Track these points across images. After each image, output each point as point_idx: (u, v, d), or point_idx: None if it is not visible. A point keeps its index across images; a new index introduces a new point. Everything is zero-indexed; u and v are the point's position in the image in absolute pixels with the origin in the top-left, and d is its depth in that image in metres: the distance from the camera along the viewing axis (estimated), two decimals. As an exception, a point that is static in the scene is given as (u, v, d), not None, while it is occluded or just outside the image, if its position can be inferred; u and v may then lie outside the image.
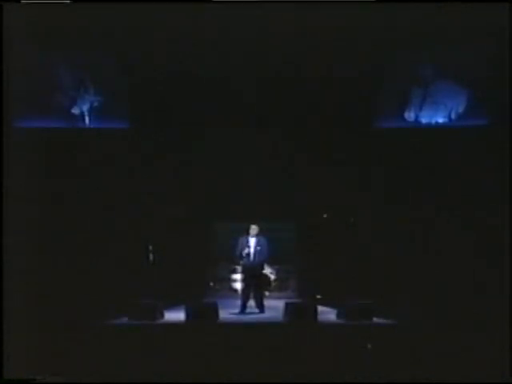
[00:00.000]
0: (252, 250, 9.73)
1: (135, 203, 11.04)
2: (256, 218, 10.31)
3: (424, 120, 11.14)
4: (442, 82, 10.95)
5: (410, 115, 11.16)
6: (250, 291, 9.86)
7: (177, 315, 9.26)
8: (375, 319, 8.92)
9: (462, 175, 10.43)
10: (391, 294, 9.86)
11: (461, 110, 10.87)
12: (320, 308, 9.21)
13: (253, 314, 9.65)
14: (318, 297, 10.71)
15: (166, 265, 10.91)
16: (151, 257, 11.02)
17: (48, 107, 10.90)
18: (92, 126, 11.23)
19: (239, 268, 10.46)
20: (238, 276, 11.06)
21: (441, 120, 11.06)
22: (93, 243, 10.66)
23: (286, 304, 9.27)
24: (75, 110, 11.17)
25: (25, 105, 10.52)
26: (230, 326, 8.96)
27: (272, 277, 11.34)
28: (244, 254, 9.72)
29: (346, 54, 10.44)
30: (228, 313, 9.58)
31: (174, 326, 8.86)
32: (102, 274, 10.40)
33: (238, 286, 11.01)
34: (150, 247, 11.02)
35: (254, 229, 9.77)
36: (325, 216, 11.48)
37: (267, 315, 9.63)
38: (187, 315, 8.91)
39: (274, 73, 10.77)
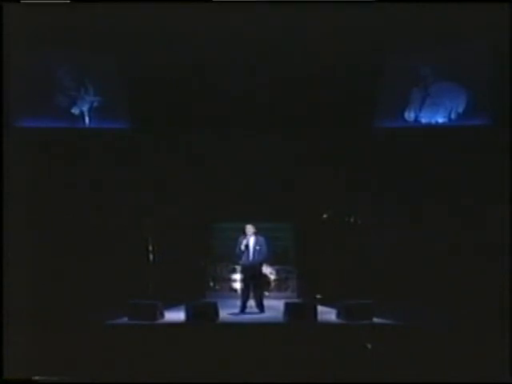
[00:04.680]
0: (251, 249, 9.73)
1: (135, 203, 11.04)
2: (256, 217, 10.31)
3: (424, 120, 11.15)
4: (441, 81, 10.95)
5: (409, 115, 11.17)
6: (249, 291, 9.86)
7: (177, 315, 9.27)
8: (375, 319, 8.93)
9: (462, 175, 10.42)
10: (391, 294, 9.86)
11: (461, 110, 10.87)
12: (320, 308, 9.22)
13: (253, 314, 9.65)
14: (318, 297, 10.72)
15: (165, 265, 10.91)
16: (151, 257, 11.03)
17: (48, 107, 10.91)
18: (92, 126, 11.23)
19: (239, 268, 10.46)
20: (237, 276, 11.05)
21: (441, 120, 11.06)
22: (92, 243, 10.66)
23: (286, 304, 9.27)
24: (75, 110, 11.19)
25: (25, 105, 10.52)
26: (230, 325, 8.97)
27: (272, 277, 11.34)
28: (243, 254, 9.73)
29: (346, 53, 10.45)
30: (228, 313, 9.58)
31: (174, 325, 8.86)
32: (103, 274, 10.40)
33: (238, 285, 11.00)
34: (150, 247, 11.03)
35: (249, 228, 9.78)
36: (325, 216, 11.47)
37: (267, 315, 9.63)
38: (187, 315, 8.92)
39: (274, 73, 10.79)
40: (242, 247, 9.70)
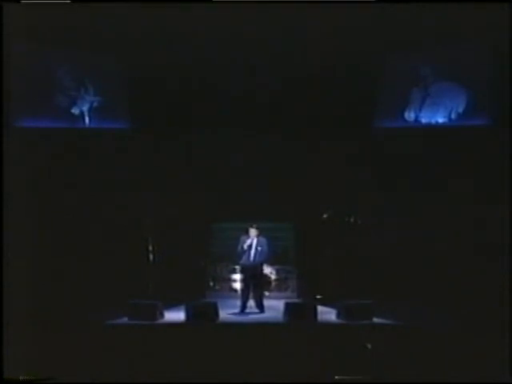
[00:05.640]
0: (253, 250, 9.75)
1: (135, 203, 11.04)
2: (256, 217, 10.32)
3: (424, 120, 11.14)
4: (441, 81, 10.95)
5: (409, 115, 11.16)
6: (249, 291, 9.88)
7: (177, 315, 9.27)
8: (375, 319, 8.93)
9: (462, 175, 10.42)
10: (391, 294, 9.86)
11: (461, 110, 10.86)
12: (320, 308, 9.22)
13: (253, 314, 9.65)
14: (318, 297, 10.72)
15: (165, 265, 10.91)
16: (151, 257, 11.03)
17: (48, 107, 10.90)
18: (92, 126, 11.23)
19: (239, 268, 10.46)
20: (237, 276, 11.06)
21: (441, 120, 11.05)
22: (93, 243, 10.66)
23: (286, 304, 9.28)
24: (75, 110, 11.17)
25: (25, 105, 10.51)
26: (230, 325, 8.97)
27: (272, 277, 11.34)
28: (244, 254, 9.73)
29: (346, 53, 10.45)
30: (228, 313, 9.59)
31: (174, 325, 8.87)
32: (103, 274, 10.40)
33: (238, 286, 11.00)
34: (150, 247, 11.04)
35: (253, 232, 9.80)
36: (325, 216, 11.47)
37: (267, 315, 9.64)
38: (187, 315, 8.92)
39: (274, 73, 10.79)
40: (245, 246, 9.71)
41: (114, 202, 10.89)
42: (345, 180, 11.05)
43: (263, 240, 9.83)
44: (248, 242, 9.74)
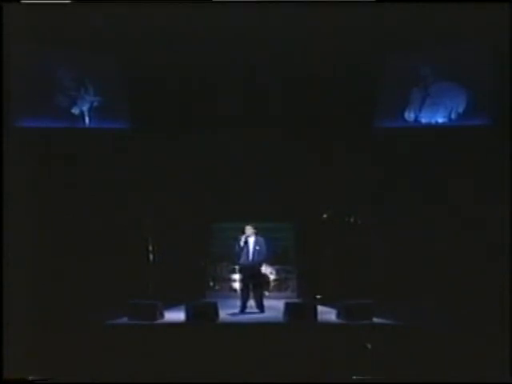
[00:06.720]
0: (250, 249, 9.75)
1: (135, 203, 11.04)
2: (256, 217, 10.31)
3: (424, 120, 11.14)
4: (441, 81, 10.95)
5: (409, 115, 11.16)
6: (249, 291, 9.88)
7: (177, 315, 9.27)
8: (375, 319, 8.93)
9: (462, 175, 10.42)
10: (391, 294, 9.86)
11: (461, 110, 10.85)
12: (320, 308, 9.22)
13: (253, 314, 9.65)
14: (318, 297, 10.72)
15: (165, 265, 10.91)
16: (151, 257, 11.03)
17: (48, 107, 10.89)
18: (92, 126, 11.22)
19: (238, 268, 10.47)
20: (237, 276, 11.07)
21: (441, 120, 11.05)
22: (93, 243, 10.65)
23: (286, 304, 9.28)
24: (75, 110, 11.16)
25: (25, 105, 10.50)
26: (230, 326, 8.98)
27: (271, 277, 11.34)
28: (242, 252, 9.74)
29: (347, 53, 10.45)
30: (228, 313, 9.59)
31: (174, 326, 8.87)
32: (103, 274, 10.39)
33: (238, 285, 11.01)
34: (150, 247, 11.04)
35: (248, 229, 9.80)
36: (325, 216, 11.47)
37: (267, 315, 9.64)
38: (187, 315, 8.92)
39: (274, 73, 10.79)
40: (241, 243, 9.72)
41: (113, 201, 10.89)
42: (345, 180, 11.05)
43: (261, 239, 9.83)
44: (243, 238, 9.74)
